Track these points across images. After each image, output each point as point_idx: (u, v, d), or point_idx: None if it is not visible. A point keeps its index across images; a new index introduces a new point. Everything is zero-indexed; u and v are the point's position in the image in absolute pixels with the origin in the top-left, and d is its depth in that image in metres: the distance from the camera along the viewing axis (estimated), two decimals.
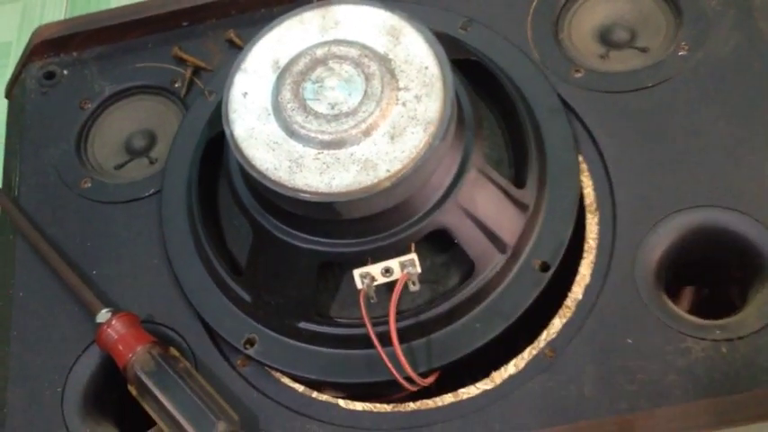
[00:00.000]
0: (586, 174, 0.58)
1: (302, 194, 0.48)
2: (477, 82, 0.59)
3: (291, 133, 0.49)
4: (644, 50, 0.62)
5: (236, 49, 0.68)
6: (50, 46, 0.70)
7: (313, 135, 0.49)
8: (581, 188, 0.57)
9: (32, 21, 1.72)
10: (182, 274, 0.59)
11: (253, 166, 0.49)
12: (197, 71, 0.68)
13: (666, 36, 0.62)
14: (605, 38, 0.64)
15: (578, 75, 0.61)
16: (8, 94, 0.73)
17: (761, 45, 0.59)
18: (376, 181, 0.48)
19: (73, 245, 0.62)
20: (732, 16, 0.61)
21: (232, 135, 0.50)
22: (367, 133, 0.48)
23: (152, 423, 0.55)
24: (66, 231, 0.63)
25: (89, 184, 0.65)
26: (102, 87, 0.69)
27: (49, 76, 0.70)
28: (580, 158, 0.59)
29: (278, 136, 0.49)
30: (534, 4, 0.65)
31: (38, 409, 0.57)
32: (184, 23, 0.70)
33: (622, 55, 0.63)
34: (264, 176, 0.49)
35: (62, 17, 1.69)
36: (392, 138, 0.48)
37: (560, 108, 0.59)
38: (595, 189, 0.58)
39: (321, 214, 0.50)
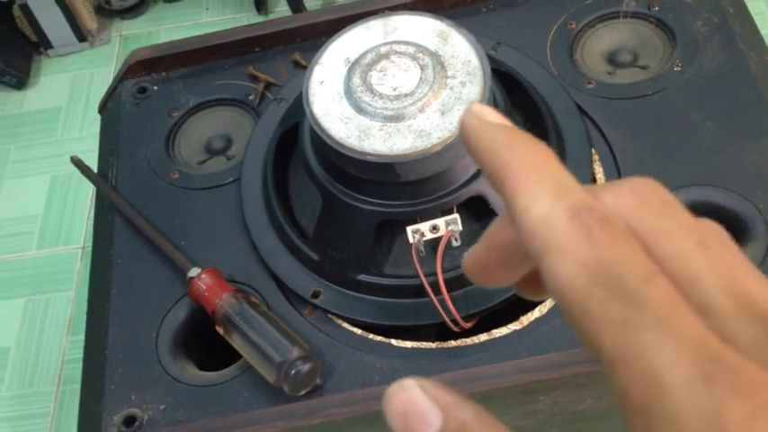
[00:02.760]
0: (598, 163, 0.70)
1: (369, 157, 0.60)
2: (507, 91, 0.71)
3: (360, 110, 0.61)
4: (644, 68, 0.75)
5: (301, 69, 0.80)
6: (142, 66, 0.84)
7: (378, 111, 0.61)
8: (593, 171, 0.69)
9: (81, 89, 1.88)
10: (258, 240, 0.70)
11: (329, 136, 0.61)
12: (268, 86, 0.80)
13: (663, 56, 0.75)
14: (612, 59, 0.76)
15: (590, 86, 0.74)
16: (101, 109, 0.86)
17: (740, 62, 0.72)
18: (429, 146, 0.59)
19: (164, 223, 0.73)
20: (717, 40, 0.74)
21: (312, 113, 0.62)
22: (422, 110, 0.61)
23: (228, 365, 0.65)
24: (157, 213, 0.74)
25: (177, 175, 0.76)
26: (187, 100, 0.81)
27: (142, 90, 0.83)
28: (593, 151, 0.70)
29: (349, 113, 0.62)
30: (552, 32, 0.78)
31: (135, 350, 0.67)
32: (257, 49, 0.83)
33: (626, 72, 0.75)
34: (339, 144, 0.61)
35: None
36: (442, 113, 0.60)
37: (576, 111, 0.72)
38: (606, 174, 0.69)
39: (383, 176, 0.61)
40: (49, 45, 1.87)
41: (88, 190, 1.72)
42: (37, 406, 1.44)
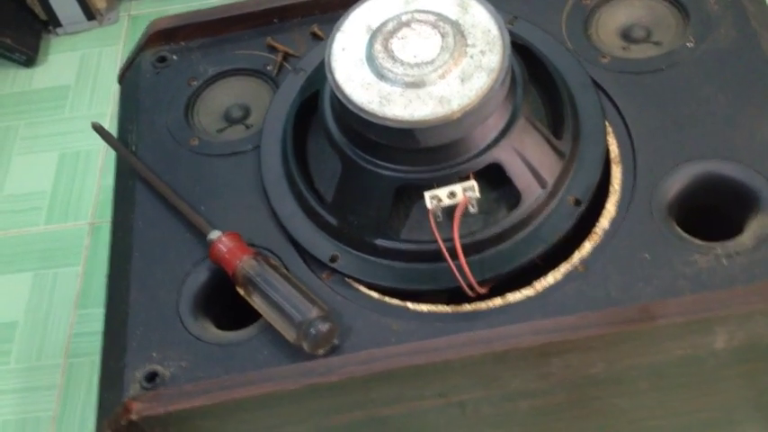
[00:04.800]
0: (612, 135, 0.71)
1: (389, 122, 0.61)
2: (524, 64, 0.72)
3: (381, 76, 0.63)
4: (658, 44, 0.76)
5: (319, 41, 0.82)
6: (162, 36, 0.85)
7: (399, 77, 0.62)
8: (607, 143, 0.70)
9: (89, 67, 1.89)
10: (277, 206, 0.71)
11: (351, 102, 0.62)
12: (286, 57, 0.82)
13: (676, 33, 0.76)
14: (626, 35, 0.78)
15: (605, 60, 0.75)
16: (121, 79, 0.87)
17: (752, 39, 0.73)
18: (449, 112, 0.61)
19: (184, 189, 0.75)
20: (730, 17, 0.75)
21: (334, 79, 0.64)
22: (442, 77, 0.62)
23: (247, 325, 0.67)
24: (177, 179, 0.76)
25: (197, 142, 0.78)
26: (206, 69, 0.83)
27: (162, 59, 0.84)
28: (607, 123, 0.72)
29: (371, 79, 0.63)
30: (567, 7, 0.79)
31: (156, 310, 0.69)
32: (275, 20, 0.84)
33: (640, 48, 0.77)
34: (361, 109, 0.62)
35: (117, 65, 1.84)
36: (462, 80, 0.62)
37: (590, 83, 0.73)
38: (619, 146, 0.71)
39: (402, 142, 0.63)
40: (57, 23, 1.88)
41: (96, 167, 1.74)
42: (45, 379, 1.46)
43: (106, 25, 1.92)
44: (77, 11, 1.87)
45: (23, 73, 1.90)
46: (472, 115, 0.62)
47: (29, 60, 1.88)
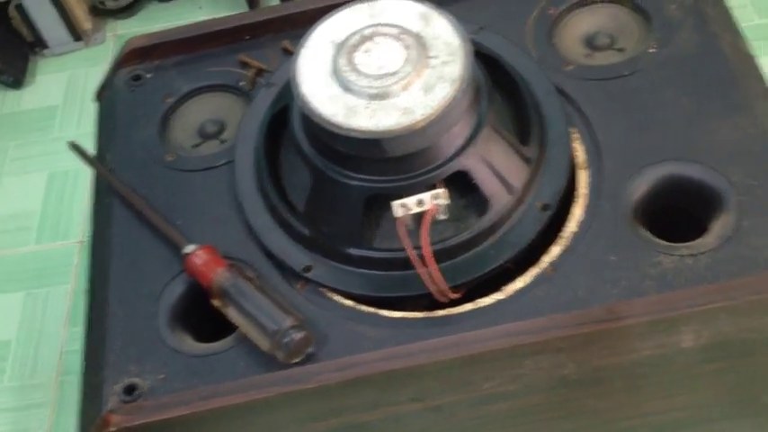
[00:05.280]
0: (578, 141, 0.73)
1: (355, 133, 0.63)
2: (489, 73, 0.74)
3: (347, 89, 0.64)
4: (621, 50, 0.78)
5: (290, 56, 0.83)
6: (137, 54, 0.86)
7: (364, 89, 0.64)
8: (573, 149, 0.72)
9: (76, 88, 1.90)
10: (252, 219, 0.72)
11: (317, 115, 0.64)
12: (259, 72, 0.83)
13: (639, 39, 0.77)
14: (590, 42, 0.79)
15: (569, 68, 0.76)
16: (98, 97, 0.89)
17: (713, 42, 0.75)
18: (413, 122, 0.62)
19: (160, 204, 0.76)
20: (691, 21, 0.76)
21: (300, 93, 0.65)
22: (406, 88, 0.63)
23: (224, 337, 0.68)
24: (154, 195, 0.77)
25: (172, 158, 0.79)
26: (181, 86, 0.84)
27: (137, 78, 0.85)
28: (573, 129, 0.73)
29: (336, 91, 0.64)
30: (532, 17, 0.80)
31: (134, 324, 0.70)
32: (248, 37, 0.85)
33: (604, 55, 0.78)
34: (327, 121, 0.63)
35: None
36: (425, 91, 0.63)
37: (554, 91, 0.74)
38: (586, 151, 0.72)
39: (369, 152, 0.64)
40: (44, 45, 1.89)
41: (85, 186, 1.75)
42: (38, 396, 1.47)
43: (92, 46, 1.94)
44: (64, 32, 1.88)
45: (11, 95, 1.92)
46: (436, 124, 0.63)
47: (16, 82, 1.89)
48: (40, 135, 1.87)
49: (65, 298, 1.58)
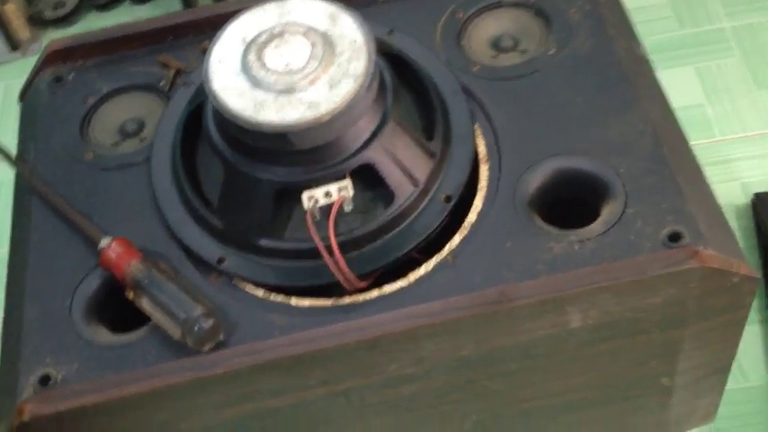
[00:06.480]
0: (481, 137, 0.77)
1: (263, 127, 0.66)
2: (398, 73, 0.77)
3: (255, 85, 0.67)
4: (524, 52, 0.82)
5: None
6: (59, 56, 0.88)
7: (272, 85, 0.66)
8: (476, 145, 0.76)
9: (13, 98, 1.89)
10: (167, 213, 0.75)
11: (227, 110, 0.67)
12: (179, 72, 0.85)
13: (540, 41, 0.82)
14: (496, 45, 0.83)
15: (475, 68, 0.80)
16: (22, 97, 0.90)
17: (609, 45, 0.79)
18: (318, 116, 0.65)
19: (79, 202, 0.77)
20: (588, 25, 0.81)
21: (211, 88, 0.68)
22: (312, 83, 0.66)
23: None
24: (73, 193, 0.78)
25: (91, 157, 0.81)
26: (101, 86, 0.86)
27: (58, 79, 0.87)
28: (476, 126, 0.77)
29: (245, 87, 0.67)
30: (442, 20, 0.84)
31: (49, 317, 0.71)
32: (169, 38, 0.88)
33: (509, 56, 0.82)
34: (236, 116, 0.66)
35: None
36: (331, 86, 0.66)
37: (460, 90, 0.78)
38: (487, 146, 0.76)
39: (278, 145, 0.67)
40: None
41: None
42: None
43: (29, 56, 1.93)
44: (0, 43, 1.87)
45: None
46: (341, 118, 0.66)
47: None
48: None
49: None
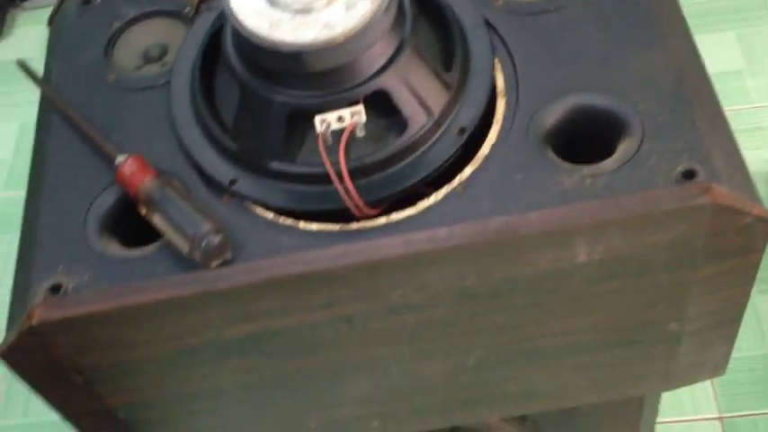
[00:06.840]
0: (500, 71, 0.76)
1: (277, 46, 0.66)
2: (420, 3, 0.77)
3: (273, 4, 0.67)
4: None
5: None
6: None
7: (289, 4, 0.66)
8: (494, 78, 0.75)
9: None
10: (183, 134, 0.75)
11: (243, 28, 0.67)
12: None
13: None
14: None
15: (498, 3, 0.79)
16: (50, 22, 0.91)
17: None
18: (333, 36, 0.65)
19: (100, 121, 0.79)
20: None
21: (229, 6, 0.68)
22: (329, 4, 0.66)
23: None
24: (93, 112, 0.79)
25: (113, 79, 0.82)
26: (128, 11, 0.87)
27: (86, 2, 0.88)
28: (496, 60, 0.76)
29: (263, 6, 0.67)
30: None
31: (64, 229, 0.72)
32: None
33: None
34: (251, 34, 0.66)
35: None
36: (347, 8, 0.66)
37: (482, 24, 0.77)
38: (505, 81, 0.75)
39: (292, 66, 0.67)
40: None
41: None
42: None
43: None
44: None
45: None
46: (356, 40, 0.66)
47: None
48: (15, 85, 1.89)
49: None
